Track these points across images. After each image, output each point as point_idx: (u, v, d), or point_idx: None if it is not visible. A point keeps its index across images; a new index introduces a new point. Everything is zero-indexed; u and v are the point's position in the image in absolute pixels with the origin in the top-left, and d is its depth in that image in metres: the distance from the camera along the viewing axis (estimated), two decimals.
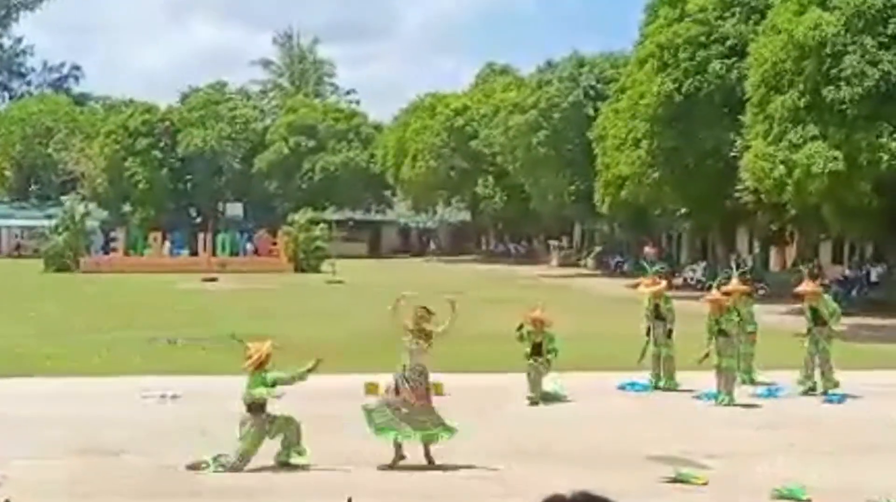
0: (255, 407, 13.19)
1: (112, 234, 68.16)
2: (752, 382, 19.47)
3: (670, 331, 19.21)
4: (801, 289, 19.48)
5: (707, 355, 17.60)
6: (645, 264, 24.06)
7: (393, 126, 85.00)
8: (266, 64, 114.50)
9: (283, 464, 13.06)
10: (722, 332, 17.61)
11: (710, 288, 21.38)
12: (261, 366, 13.38)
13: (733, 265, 23.29)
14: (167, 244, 66.55)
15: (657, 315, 19.35)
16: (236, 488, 12.18)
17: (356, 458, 13.05)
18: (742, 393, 17.75)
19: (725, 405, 17.12)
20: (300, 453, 13.10)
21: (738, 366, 19.68)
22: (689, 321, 19.45)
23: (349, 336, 27.54)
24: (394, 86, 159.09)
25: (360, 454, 13.17)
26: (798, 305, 21.41)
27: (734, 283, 21.12)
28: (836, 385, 18.30)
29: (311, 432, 13.87)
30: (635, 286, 23.81)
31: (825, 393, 18.19)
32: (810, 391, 18.45)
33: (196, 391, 17.62)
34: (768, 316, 25.15)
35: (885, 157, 30.06)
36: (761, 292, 21.31)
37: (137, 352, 23.57)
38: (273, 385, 13.38)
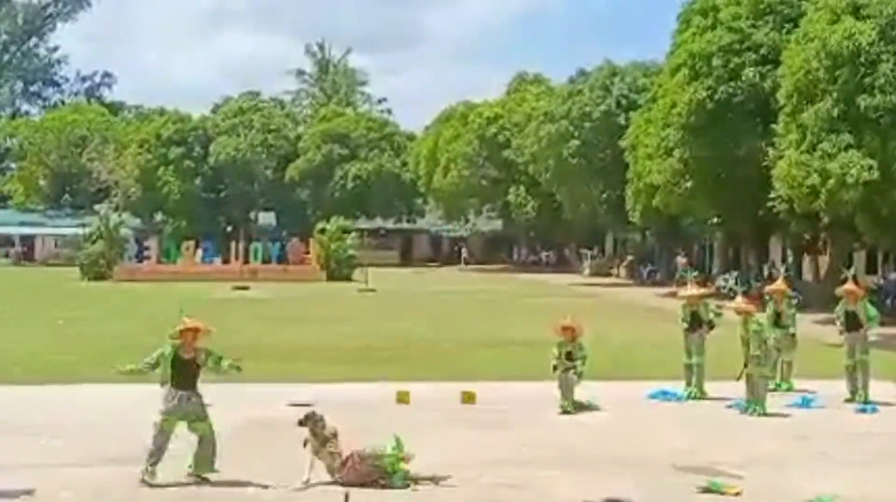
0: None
1: (145, 243, 68.53)
2: (791, 389, 19.36)
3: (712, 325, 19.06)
4: (846, 287, 19.16)
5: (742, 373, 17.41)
6: (682, 272, 24.00)
7: (425, 135, 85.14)
8: (299, 73, 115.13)
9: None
10: (751, 341, 17.37)
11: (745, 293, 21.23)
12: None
13: (777, 269, 23.13)
14: (199, 252, 66.85)
15: (693, 322, 19.19)
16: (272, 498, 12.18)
17: None
18: (775, 402, 17.60)
19: (757, 414, 16.99)
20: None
21: (778, 372, 19.63)
22: (721, 330, 19.32)
23: (379, 343, 27.55)
24: (426, 95, 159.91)
25: None
26: (829, 314, 21.19)
27: (778, 284, 20.98)
28: (867, 398, 18.10)
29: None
30: (674, 294, 23.72)
31: (865, 402, 18.01)
32: (850, 400, 18.28)
33: (226, 399, 17.63)
34: (802, 324, 24.94)
35: None
36: (794, 301, 21.06)
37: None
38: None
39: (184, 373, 12.97)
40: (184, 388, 12.91)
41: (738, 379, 17.33)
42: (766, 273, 47.72)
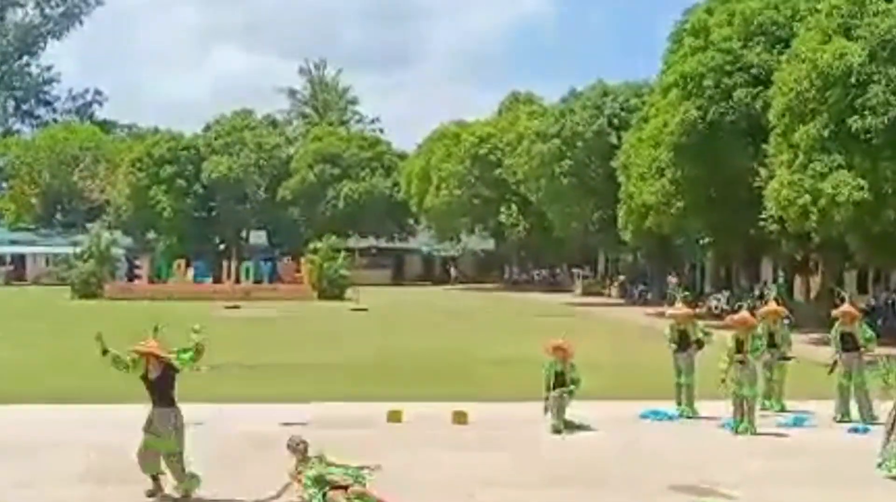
0: None
1: (136, 262, 68.34)
2: (783, 410, 19.42)
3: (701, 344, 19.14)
4: (843, 309, 19.19)
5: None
6: (672, 291, 24.07)
7: (417, 154, 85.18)
8: (291, 93, 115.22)
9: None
10: (740, 360, 17.37)
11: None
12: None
13: (769, 289, 23.22)
14: (191, 271, 66.74)
15: (682, 342, 19.21)
16: None
17: (374, 486, 12.98)
18: (767, 422, 17.61)
19: (746, 434, 16.99)
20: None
21: (771, 392, 19.70)
22: (711, 350, 19.33)
23: (370, 363, 27.53)
24: (418, 115, 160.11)
25: (378, 483, 13.13)
26: (822, 334, 21.23)
27: (771, 305, 21.03)
28: (874, 418, 18.04)
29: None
30: (662, 314, 23.76)
31: (865, 422, 18.01)
32: (843, 421, 18.28)
33: (218, 418, 17.62)
34: (794, 345, 24.93)
35: None
36: (786, 321, 21.10)
37: None
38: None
39: (154, 391, 12.99)
40: (157, 406, 13.08)
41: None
42: (757, 293, 47.79)
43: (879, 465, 12.53)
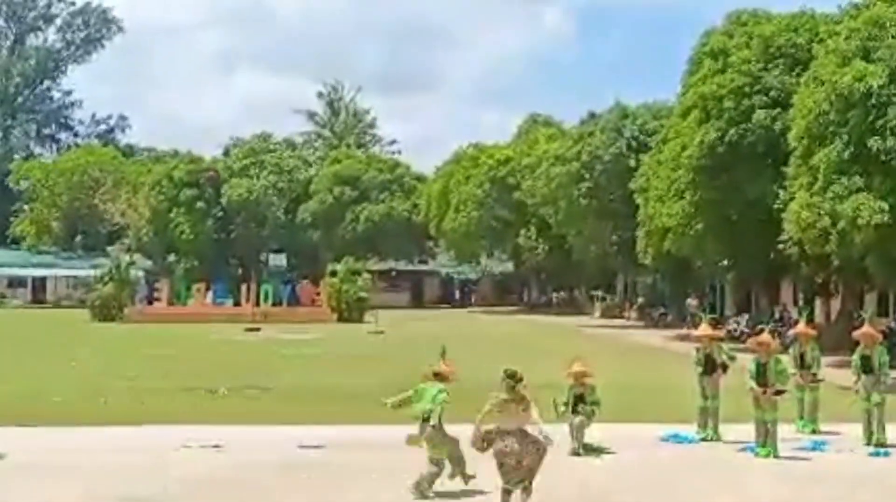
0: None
1: (156, 284, 68.57)
2: (815, 431, 19.37)
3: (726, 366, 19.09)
4: (863, 330, 19.10)
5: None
6: (698, 313, 23.92)
7: (436, 176, 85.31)
8: (311, 115, 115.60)
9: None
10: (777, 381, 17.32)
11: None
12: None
13: (788, 312, 23.08)
14: (210, 294, 66.86)
15: (707, 365, 19.10)
16: None
17: None
18: (787, 446, 17.50)
19: (769, 458, 16.89)
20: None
21: (801, 413, 19.69)
22: (733, 374, 19.22)
23: (391, 384, 27.45)
24: (437, 137, 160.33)
25: None
26: (844, 357, 21.12)
27: (801, 327, 20.96)
28: (885, 441, 18.00)
29: (347, 482, 13.87)
30: (686, 336, 23.63)
31: (879, 445, 17.91)
32: (867, 444, 18.19)
33: (237, 441, 17.62)
34: None
35: None
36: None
37: (178, 402, 23.62)
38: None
39: None
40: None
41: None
42: (777, 315, 47.59)
43: None
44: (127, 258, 68.52)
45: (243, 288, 66.27)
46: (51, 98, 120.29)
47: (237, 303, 65.54)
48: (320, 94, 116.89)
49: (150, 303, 65.44)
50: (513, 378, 12.58)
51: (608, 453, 17.19)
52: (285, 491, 13.87)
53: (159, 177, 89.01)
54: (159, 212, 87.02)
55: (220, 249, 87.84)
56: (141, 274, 73.52)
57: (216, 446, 17.17)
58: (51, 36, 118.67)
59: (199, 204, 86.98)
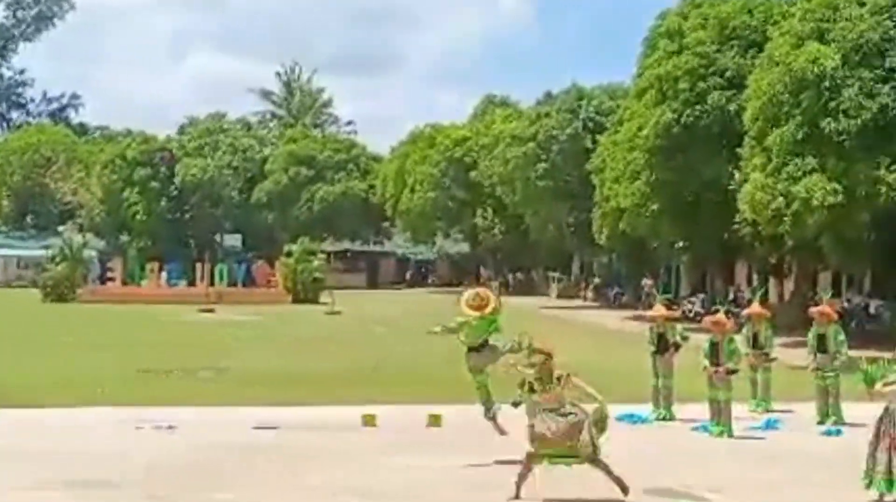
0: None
1: (109, 264, 67.97)
2: (768, 410, 19.53)
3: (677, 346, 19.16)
4: (819, 309, 19.22)
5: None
6: (653, 293, 24.00)
7: (392, 157, 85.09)
8: (266, 94, 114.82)
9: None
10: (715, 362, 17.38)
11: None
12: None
13: (742, 292, 23.20)
14: (164, 274, 66.41)
15: (660, 344, 19.18)
16: None
17: (347, 491, 12.90)
18: (740, 425, 17.59)
19: (723, 437, 16.98)
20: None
21: (755, 392, 19.85)
22: (687, 353, 19.31)
23: (344, 366, 27.40)
24: (394, 118, 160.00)
25: (352, 485, 13.04)
26: (798, 338, 21.26)
27: (755, 307, 21.08)
28: (842, 420, 18.13)
29: (302, 464, 13.81)
30: (640, 317, 23.68)
31: (836, 424, 18.05)
32: (820, 422, 18.34)
33: (191, 422, 17.50)
34: None
35: (884, 190, 30.05)
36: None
37: (132, 383, 23.43)
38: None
39: None
40: None
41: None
42: (731, 296, 47.90)
43: (868, 485, 12.35)
44: (79, 238, 67.89)
45: (198, 268, 65.84)
46: (1, 76, 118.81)
47: (191, 284, 65.12)
48: (278, 75, 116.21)
49: (104, 283, 64.86)
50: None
51: None
52: (243, 473, 13.77)
53: (112, 156, 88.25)
54: (112, 192, 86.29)
55: (174, 229, 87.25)
56: (94, 254, 72.84)
57: (170, 428, 17.05)
58: (0, 13, 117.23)
59: (153, 183, 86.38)
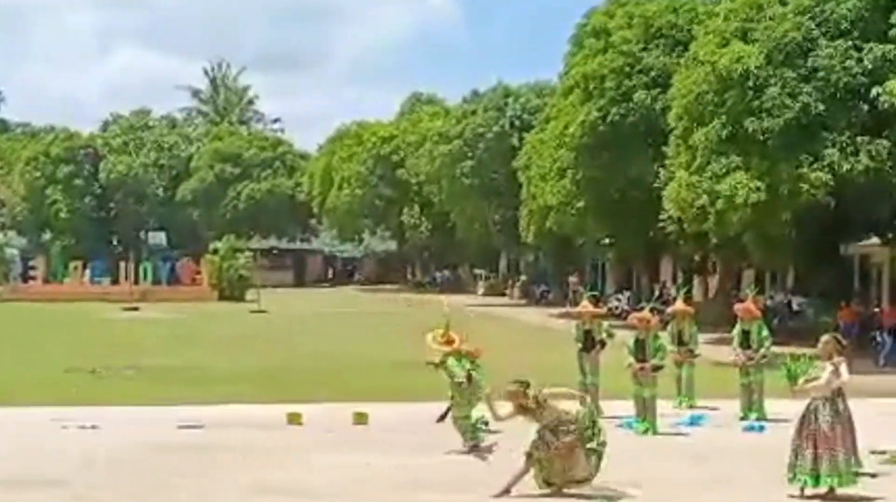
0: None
1: (31, 262, 67.07)
2: (692, 407, 19.71)
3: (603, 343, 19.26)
4: (743, 305, 19.40)
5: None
6: (579, 290, 24.07)
7: (319, 154, 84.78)
8: (194, 92, 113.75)
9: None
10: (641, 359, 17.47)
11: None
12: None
13: (668, 289, 23.37)
14: (87, 272, 65.64)
15: (587, 341, 19.22)
16: None
17: (274, 489, 12.81)
18: (665, 421, 17.71)
19: (647, 434, 17.08)
20: None
21: (679, 389, 19.99)
22: (613, 350, 19.39)
23: (270, 364, 27.24)
24: (321, 116, 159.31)
25: (280, 484, 12.95)
26: (722, 334, 21.47)
27: (679, 304, 21.22)
28: (764, 416, 18.33)
29: (230, 463, 13.68)
30: (567, 314, 23.78)
31: (759, 419, 18.23)
32: (743, 418, 18.51)
33: (114, 421, 17.29)
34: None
35: (806, 188, 30.37)
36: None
37: (55, 382, 23.10)
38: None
39: None
40: None
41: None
42: (656, 293, 48.27)
43: (791, 480, 12.46)
44: (0, 236, 66.85)
45: (122, 266, 65.15)
46: None
47: (115, 282, 64.40)
48: (205, 72, 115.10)
49: (26, 281, 64.01)
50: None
51: (490, 432, 17.18)
52: (170, 473, 13.60)
53: (35, 153, 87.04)
54: (35, 189, 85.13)
55: (98, 227, 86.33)
56: (15, 252, 71.79)
57: (94, 427, 16.83)
58: None
59: (77, 181, 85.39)
